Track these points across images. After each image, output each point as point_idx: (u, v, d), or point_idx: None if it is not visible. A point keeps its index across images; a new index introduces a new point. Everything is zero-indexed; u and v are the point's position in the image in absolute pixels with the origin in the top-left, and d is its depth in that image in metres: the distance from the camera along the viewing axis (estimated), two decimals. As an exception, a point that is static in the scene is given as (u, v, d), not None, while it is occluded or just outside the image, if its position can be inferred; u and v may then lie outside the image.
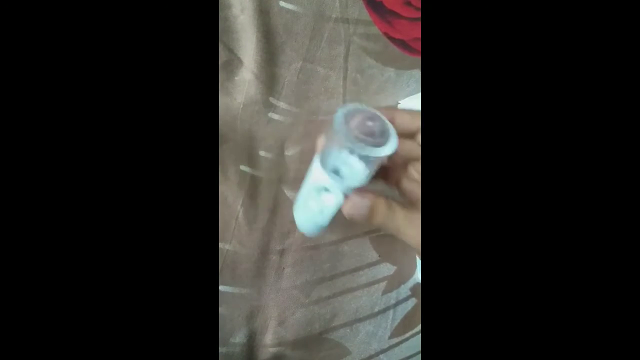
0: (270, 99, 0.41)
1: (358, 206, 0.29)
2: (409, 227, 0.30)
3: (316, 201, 0.31)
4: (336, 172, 0.30)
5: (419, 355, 0.50)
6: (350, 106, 0.30)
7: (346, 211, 0.30)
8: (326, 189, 0.30)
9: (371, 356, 0.47)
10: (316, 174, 0.30)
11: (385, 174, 0.33)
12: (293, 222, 0.42)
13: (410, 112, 0.32)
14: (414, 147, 0.32)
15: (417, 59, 0.45)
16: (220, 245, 0.40)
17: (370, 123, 0.29)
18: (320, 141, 0.30)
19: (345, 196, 0.30)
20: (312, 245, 0.43)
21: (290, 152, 0.41)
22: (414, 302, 0.48)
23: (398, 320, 0.48)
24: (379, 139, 0.28)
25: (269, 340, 0.42)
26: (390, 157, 0.28)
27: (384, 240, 0.45)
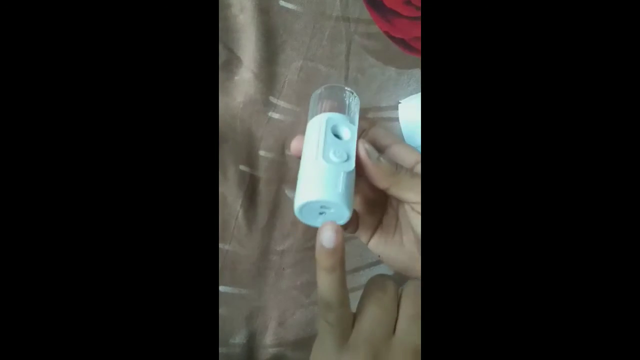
0: (271, 98, 0.40)
1: (370, 150, 0.29)
2: (412, 191, 0.30)
3: (337, 147, 0.29)
4: (336, 110, 0.31)
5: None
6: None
7: (361, 148, 0.29)
8: (338, 134, 0.30)
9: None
10: (324, 118, 0.30)
11: None
12: (293, 222, 0.42)
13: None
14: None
15: (418, 58, 0.44)
16: (220, 245, 0.40)
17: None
18: (297, 140, 0.32)
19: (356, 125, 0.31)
20: (312, 246, 0.42)
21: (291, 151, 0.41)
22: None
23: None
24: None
25: (269, 340, 0.42)
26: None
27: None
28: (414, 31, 0.44)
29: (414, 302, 0.28)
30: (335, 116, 0.31)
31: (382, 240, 0.34)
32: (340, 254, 0.26)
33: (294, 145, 0.32)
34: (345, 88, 0.33)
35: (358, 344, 0.27)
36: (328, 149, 0.29)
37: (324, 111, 0.32)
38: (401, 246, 0.34)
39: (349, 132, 0.30)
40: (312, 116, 0.32)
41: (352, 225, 0.34)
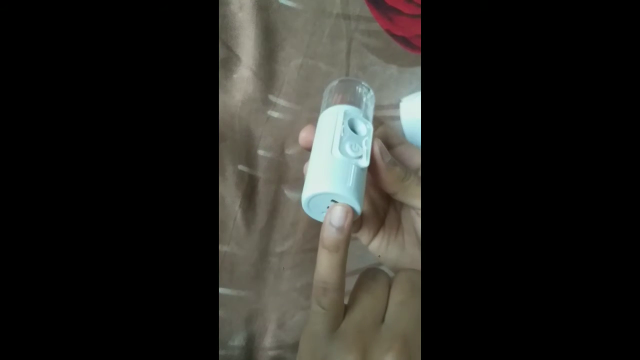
0: (270, 96, 0.40)
1: (384, 151, 0.29)
2: (419, 197, 0.30)
3: (354, 141, 0.28)
4: (352, 104, 0.30)
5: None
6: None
7: (376, 147, 0.28)
8: (354, 128, 0.29)
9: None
10: (341, 110, 0.29)
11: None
12: (293, 223, 0.42)
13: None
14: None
15: (419, 56, 0.44)
16: (219, 246, 0.39)
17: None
18: (308, 130, 0.31)
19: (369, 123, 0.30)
20: (312, 247, 0.42)
21: (290, 150, 0.41)
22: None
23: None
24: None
25: (268, 343, 0.42)
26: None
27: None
28: (415, 29, 0.44)
29: (403, 289, 0.28)
30: (353, 109, 0.30)
31: (385, 241, 0.34)
32: (346, 234, 0.26)
33: (303, 135, 0.31)
34: (362, 83, 0.32)
35: (348, 331, 0.27)
36: (345, 142, 0.28)
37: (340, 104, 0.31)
38: (403, 248, 0.33)
39: (365, 128, 0.29)
40: (326, 108, 0.31)
41: (355, 225, 0.33)
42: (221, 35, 0.39)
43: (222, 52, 0.39)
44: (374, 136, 0.29)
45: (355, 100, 0.31)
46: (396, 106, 0.44)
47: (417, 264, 0.32)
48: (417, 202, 0.30)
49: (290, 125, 0.40)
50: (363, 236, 0.34)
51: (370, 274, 0.29)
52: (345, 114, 0.29)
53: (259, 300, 0.41)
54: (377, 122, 0.33)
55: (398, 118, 0.44)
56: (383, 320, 0.27)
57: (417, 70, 0.44)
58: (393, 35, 0.43)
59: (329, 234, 0.26)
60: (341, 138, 0.28)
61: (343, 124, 0.28)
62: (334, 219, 0.26)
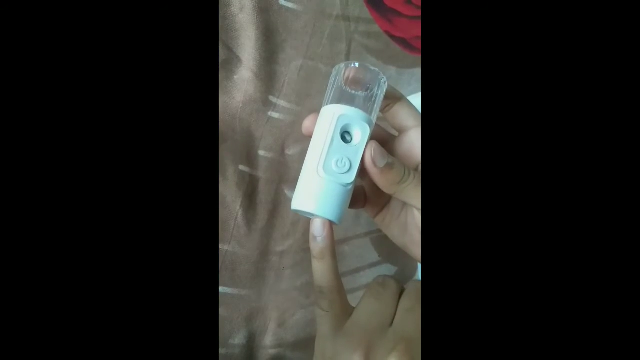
0: (270, 97, 0.40)
1: (380, 152, 0.29)
2: (418, 198, 0.30)
3: (342, 154, 0.28)
4: (350, 104, 0.30)
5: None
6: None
7: (368, 154, 0.29)
8: (347, 133, 0.29)
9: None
10: (337, 114, 0.29)
11: None
12: (293, 223, 0.42)
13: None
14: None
15: (419, 58, 0.44)
16: (219, 246, 0.39)
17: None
18: (311, 118, 0.31)
19: (369, 127, 0.29)
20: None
21: (291, 151, 0.41)
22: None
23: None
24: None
25: (268, 341, 0.42)
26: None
27: (385, 241, 0.45)
28: (414, 30, 0.44)
29: (412, 297, 0.30)
30: (350, 112, 0.29)
31: (388, 218, 0.35)
32: (328, 242, 0.29)
33: (306, 125, 0.32)
34: (370, 67, 0.30)
35: (353, 331, 0.29)
36: (331, 157, 0.28)
37: (342, 99, 0.30)
38: (405, 229, 0.34)
39: (359, 134, 0.29)
40: (328, 99, 0.30)
41: (360, 202, 0.35)
42: (222, 37, 0.39)
43: (222, 54, 0.39)
44: (371, 139, 0.29)
45: (357, 95, 0.30)
46: (395, 107, 0.44)
47: (416, 245, 0.33)
48: (416, 202, 0.30)
49: (290, 126, 0.41)
50: (368, 211, 0.36)
51: (380, 280, 0.31)
52: (338, 120, 0.29)
53: (260, 299, 0.41)
54: (394, 98, 0.32)
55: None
56: (391, 325, 0.29)
57: (416, 72, 0.44)
58: (392, 37, 0.44)
59: (314, 245, 0.30)
60: (328, 152, 0.28)
61: (334, 133, 0.29)
62: (315, 231, 0.29)
